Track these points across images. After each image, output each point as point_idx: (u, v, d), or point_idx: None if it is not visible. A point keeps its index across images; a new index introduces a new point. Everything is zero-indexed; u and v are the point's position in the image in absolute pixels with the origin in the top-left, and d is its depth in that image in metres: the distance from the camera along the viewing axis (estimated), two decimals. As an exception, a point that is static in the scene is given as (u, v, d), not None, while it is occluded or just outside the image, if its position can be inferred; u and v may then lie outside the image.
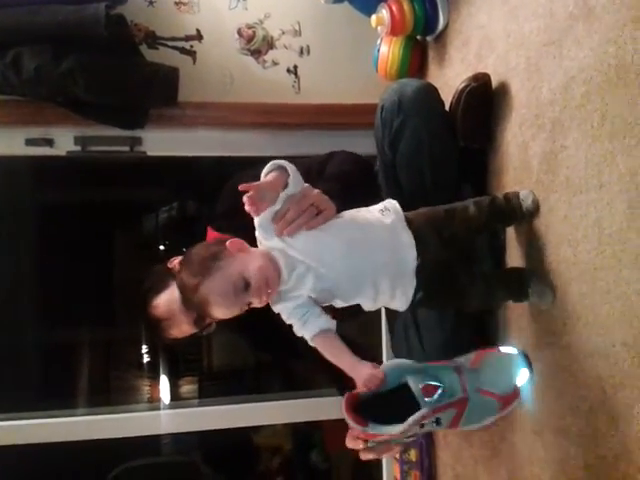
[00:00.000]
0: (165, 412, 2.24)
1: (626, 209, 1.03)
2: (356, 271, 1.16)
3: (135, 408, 2.41)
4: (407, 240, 1.18)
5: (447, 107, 1.55)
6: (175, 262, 1.57)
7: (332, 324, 1.17)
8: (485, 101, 1.47)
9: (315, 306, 1.16)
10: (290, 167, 1.17)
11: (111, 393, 2.87)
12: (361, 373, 1.11)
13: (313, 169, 1.64)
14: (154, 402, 2.70)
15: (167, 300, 1.49)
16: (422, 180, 1.52)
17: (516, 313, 1.42)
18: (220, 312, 1.16)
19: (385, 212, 1.22)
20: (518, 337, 1.42)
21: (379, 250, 1.17)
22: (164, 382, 2.77)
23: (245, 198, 1.11)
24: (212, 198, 1.79)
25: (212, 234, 1.65)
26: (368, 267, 1.16)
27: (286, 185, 1.17)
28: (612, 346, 1.07)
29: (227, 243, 1.17)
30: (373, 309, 1.25)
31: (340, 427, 3.07)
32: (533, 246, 1.32)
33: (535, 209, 1.28)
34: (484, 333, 1.57)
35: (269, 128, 2.05)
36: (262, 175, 1.17)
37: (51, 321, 2.66)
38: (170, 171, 2.46)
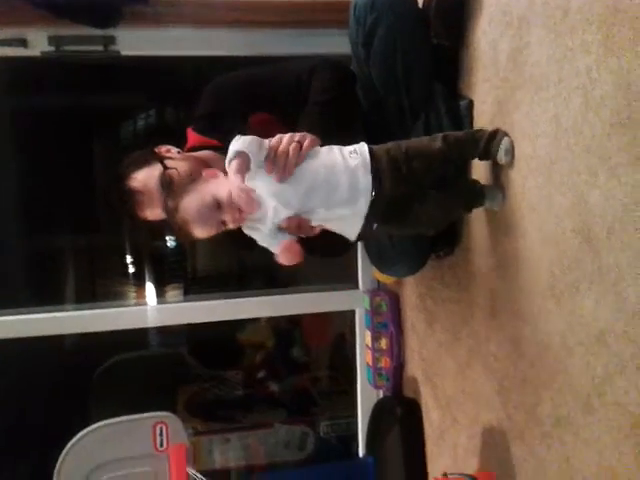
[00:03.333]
0: (152, 307, 2.34)
1: (581, 104, 1.09)
2: (313, 208, 1.25)
3: (123, 304, 2.50)
4: (364, 185, 1.25)
5: (420, 4, 1.55)
6: (163, 148, 1.60)
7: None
8: (457, -1, 1.48)
9: (276, 230, 1.26)
10: (246, 145, 1.21)
11: (97, 297, 2.96)
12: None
13: (298, 92, 1.60)
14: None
15: (146, 175, 1.50)
16: (395, 78, 1.54)
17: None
18: (199, 230, 1.25)
19: (353, 154, 1.28)
20: (479, 228, 1.51)
21: (338, 194, 1.24)
22: (150, 287, 2.86)
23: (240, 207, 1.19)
24: (189, 103, 1.78)
25: (193, 137, 1.66)
26: (325, 207, 1.25)
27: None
28: (562, 233, 1.16)
29: (203, 172, 1.27)
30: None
31: (318, 323, 3.22)
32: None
33: (509, 162, 1.32)
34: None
35: (242, 26, 2.01)
36: (226, 165, 1.22)
37: (32, 228, 2.68)
38: (146, 74, 2.43)
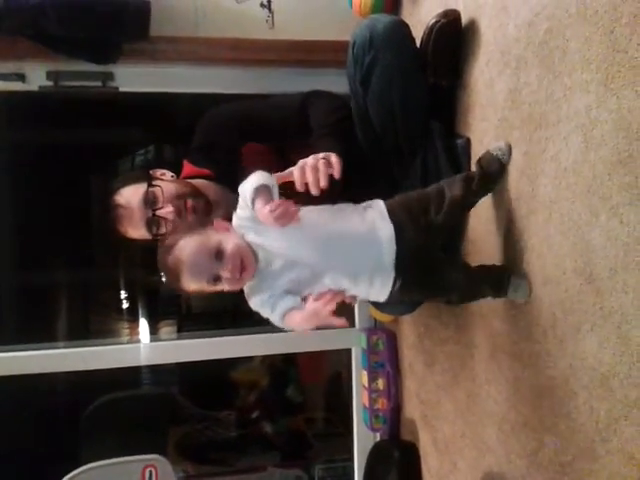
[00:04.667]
0: (145, 344, 2.30)
1: (581, 143, 1.08)
2: (335, 268, 1.17)
3: (115, 342, 2.46)
4: (386, 234, 1.19)
5: (418, 44, 1.56)
6: (158, 172, 1.60)
7: (296, 301, 1.17)
8: (454, 37, 1.49)
9: (283, 293, 1.17)
10: (265, 178, 1.16)
11: (91, 333, 2.92)
12: (310, 315, 1.12)
13: (292, 122, 1.63)
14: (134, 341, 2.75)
15: (131, 192, 1.51)
16: (392, 116, 1.55)
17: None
18: (189, 277, 1.16)
19: (367, 208, 1.24)
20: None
21: (358, 250, 1.18)
22: (142, 324, 2.82)
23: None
24: (187, 139, 1.79)
25: (188, 168, 1.67)
26: (347, 265, 1.17)
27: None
28: (563, 274, 1.14)
29: (214, 222, 1.22)
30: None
31: (314, 361, 3.16)
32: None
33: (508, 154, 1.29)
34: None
35: (241, 64, 2.04)
36: (249, 202, 1.16)
37: (26, 262, 2.65)
38: (144, 111, 2.44)
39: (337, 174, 1.24)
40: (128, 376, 2.74)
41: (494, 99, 1.38)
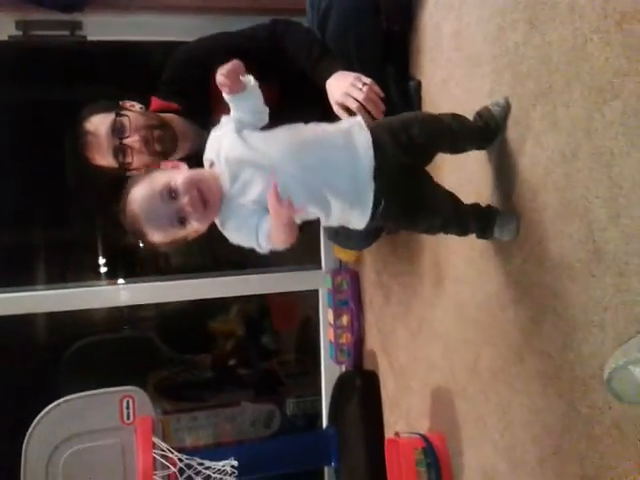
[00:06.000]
0: (122, 286, 2.39)
1: (510, 78, 1.19)
2: (309, 173, 1.07)
3: (94, 284, 2.54)
4: (363, 140, 1.10)
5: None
6: (128, 103, 1.63)
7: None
8: (406, -17, 1.57)
9: (262, 210, 1.06)
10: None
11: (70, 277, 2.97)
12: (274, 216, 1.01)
13: (262, 51, 1.63)
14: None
15: (100, 120, 1.55)
16: (349, 60, 1.62)
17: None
18: (153, 229, 1.06)
19: (343, 121, 1.18)
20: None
21: (333, 151, 1.09)
22: (121, 267, 2.88)
23: (221, 72, 1.05)
24: (154, 87, 1.83)
25: (156, 102, 1.71)
26: (322, 168, 1.08)
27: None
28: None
29: (161, 164, 1.14)
30: (328, 223, 1.16)
31: (286, 309, 3.27)
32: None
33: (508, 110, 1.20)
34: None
35: (207, 12, 2.09)
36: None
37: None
38: (114, 60, 2.46)
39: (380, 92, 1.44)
40: (110, 321, 2.85)
41: (440, 41, 1.48)
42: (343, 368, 2.37)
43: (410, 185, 1.14)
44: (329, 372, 2.44)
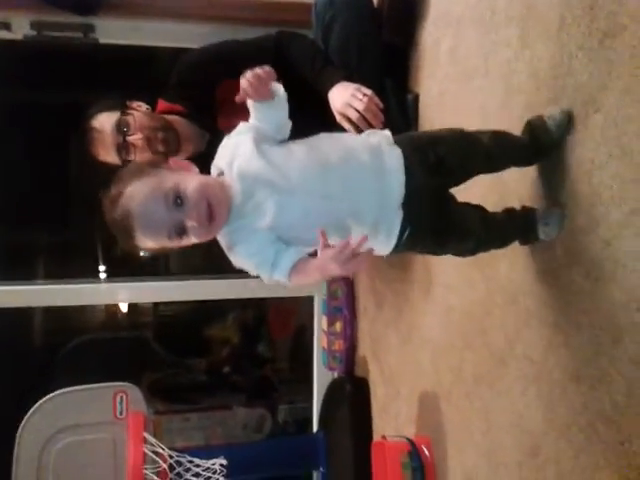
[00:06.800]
0: (121, 284, 2.43)
1: (502, 94, 1.24)
2: (331, 198, 0.96)
3: (92, 281, 2.58)
4: (394, 162, 0.99)
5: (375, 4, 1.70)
6: (135, 103, 1.68)
7: (302, 250, 0.96)
8: (408, 0, 1.64)
9: (278, 242, 0.96)
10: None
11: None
12: (328, 263, 0.89)
13: (266, 57, 1.66)
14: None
15: (106, 117, 1.61)
16: (351, 72, 1.67)
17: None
18: (145, 234, 0.93)
19: (371, 134, 1.07)
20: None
21: (360, 173, 0.97)
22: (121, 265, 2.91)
23: (247, 76, 0.99)
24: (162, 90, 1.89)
25: (162, 104, 1.76)
26: (347, 195, 0.96)
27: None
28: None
29: (170, 160, 1.02)
30: None
31: (283, 318, 3.30)
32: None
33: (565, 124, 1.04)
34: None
35: (216, 21, 2.15)
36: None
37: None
38: (124, 64, 2.52)
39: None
40: (108, 321, 2.90)
41: (438, 57, 1.54)
42: (335, 374, 2.40)
43: (438, 209, 1.02)
44: (321, 378, 2.46)
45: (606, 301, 0.95)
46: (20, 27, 2.14)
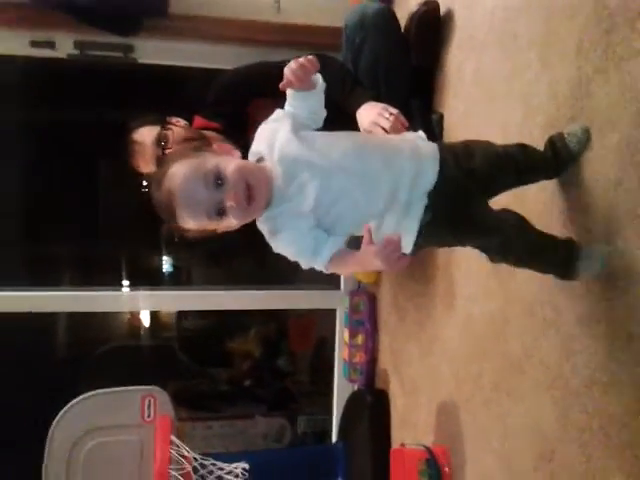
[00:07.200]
0: (145, 293, 2.50)
1: (523, 114, 1.31)
2: (372, 173, 0.99)
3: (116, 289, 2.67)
4: (430, 150, 1.05)
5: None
6: (174, 119, 1.77)
7: (341, 240, 0.99)
8: (433, 24, 1.72)
9: (319, 229, 0.99)
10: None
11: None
12: (372, 258, 0.91)
13: None
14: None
15: (147, 132, 1.71)
16: (378, 92, 1.76)
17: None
18: (186, 213, 0.97)
19: (406, 134, 1.15)
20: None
21: (399, 156, 1.02)
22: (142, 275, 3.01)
23: (291, 65, 1.01)
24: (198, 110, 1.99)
25: (199, 121, 1.86)
26: (387, 171, 1.00)
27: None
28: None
29: (215, 145, 1.06)
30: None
31: (303, 331, 3.37)
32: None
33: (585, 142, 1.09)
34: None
35: (250, 44, 2.25)
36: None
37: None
38: (162, 84, 2.64)
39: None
40: (136, 329, 3.00)
41: (462, 78, 1.61)
42: (355, 387, 2.45)
43: (462, 205, 1.04)
44: (341, 390, 2.51)
45: (620, 309, 1.01)
46: (64, 46, 2.27)
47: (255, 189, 0.96)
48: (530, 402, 1.26)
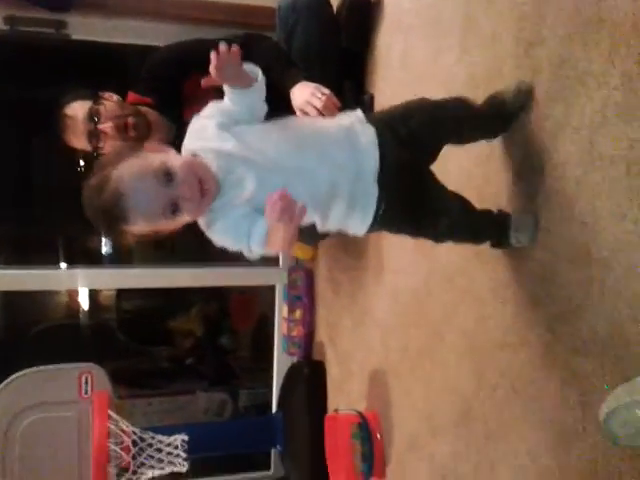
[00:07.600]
0: (83, 271, 2.48)
1: (446, 94, 1.38)
2: (308, 169, 0.99)
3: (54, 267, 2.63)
4: (369, 138, 1.02)
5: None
6: (107, 94, 1.74)
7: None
8: (364, 8, 1.78)
9: (254, 213, 0.96)
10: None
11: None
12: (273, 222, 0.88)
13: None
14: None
15: (79, 106, 1.68)
16: (311, 72, 1.81)
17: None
18: (139, 214, 0.93)
19: (344, 116, 1.10)
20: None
21: (335, 147, 1.00)
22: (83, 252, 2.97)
23: (214, 57, 0.99)
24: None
25: (132, 96, 1.85)
26: (323, 165, 0.99)
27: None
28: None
29: (146, 145, 1.02)
30: (325, 228, 1.08)
31: (245, 310, 3.40)
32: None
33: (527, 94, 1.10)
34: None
35: (185, 22, 2.26)
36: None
37: None
38: (95, 60, 2.60)
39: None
40: (74, 307, 2.97)
41: (391, 62, 1.68)
42: (294, 359, 2.52)
43: (413, 186, 1.04)
44: (281, 364, 2.58)
45: (524, 274, 1.11)
46: (-8, 21, 2.21)
47: (206, 182, 0.95)
48: (450, 366, 1.36)
